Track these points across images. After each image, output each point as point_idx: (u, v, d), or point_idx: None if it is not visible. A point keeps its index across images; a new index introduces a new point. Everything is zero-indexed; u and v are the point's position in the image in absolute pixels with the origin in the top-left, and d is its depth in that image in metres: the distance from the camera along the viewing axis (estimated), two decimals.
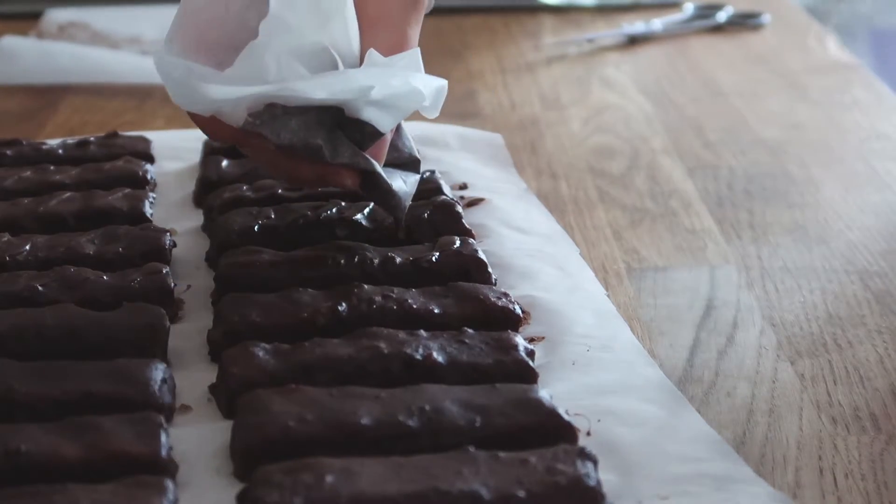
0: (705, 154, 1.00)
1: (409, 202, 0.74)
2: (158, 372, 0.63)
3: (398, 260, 0.73)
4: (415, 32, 0.72)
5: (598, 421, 0.62)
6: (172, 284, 0.73)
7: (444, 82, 0.72)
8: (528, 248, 0.80)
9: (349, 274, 0.72)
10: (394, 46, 0.70)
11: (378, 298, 0.69)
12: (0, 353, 0.64)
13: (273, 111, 0.68)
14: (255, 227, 0.77)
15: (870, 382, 0.69)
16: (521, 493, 0.55)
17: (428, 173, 0.84)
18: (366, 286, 0.70)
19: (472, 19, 1.39)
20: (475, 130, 1.01)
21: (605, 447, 0.60)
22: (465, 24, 1.37)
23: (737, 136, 1.04)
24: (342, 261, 0.73)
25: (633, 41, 1.30)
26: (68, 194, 0.83)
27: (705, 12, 1.35)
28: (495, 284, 0.73)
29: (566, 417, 0.60)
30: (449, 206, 0.80)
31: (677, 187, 0.94)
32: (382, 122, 0.69)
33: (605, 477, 0.57)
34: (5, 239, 0.77)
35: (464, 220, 0.80)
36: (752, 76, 1.20)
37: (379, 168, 0.71)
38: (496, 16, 1.39)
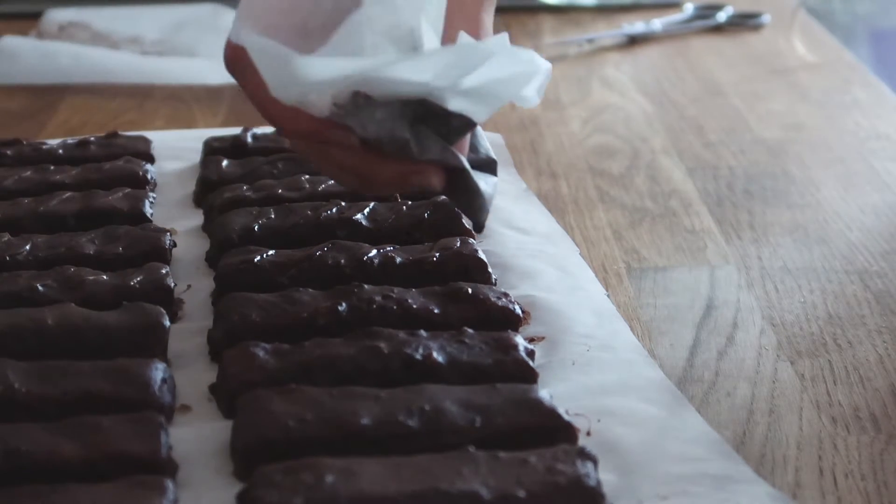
0: (705, 154, 1.00)
1: (490, 206, 0.68)
2: (158, 372, 0.63)
3: (398, 260, 0.73)
4: (490, 20, 0.69)
5: (598, 421, 0.62)
6: (172, 284, 0.73)
7: (548, 65, 0.66)
8: (528, 248, 0.80)
9: (349, 274, 0.72)
10: (472, 34, 0.66)
11: (378, 298, 0.69)
12: (0, 353, 0.64)
13: (357, 101, 0.63)
14: (255, 227, 0.77)
15: (870, 382, 0.69)
16: (521, 493, 0.55)
17: None
18: (366, 286, 0.70)
19: None
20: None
21: (605, 447, 0.60)
22: None
23: (737, 136, 1.04)
24: (342, 261, 0.73)
25: (633, 41, 1.30)
26: (68, 194, 0.83)
27: (705, 12, 1.35)
28: (495, 284, 0.73)
29: (566, 417, 0.60)
30: (449, 206, 0.80)
31: (677, 187, 0.94)
32: (476, 112, 0.64)
33: (605, 477, 0.57)
34: (5, 239, 0.77)
35: (464, 220, 0.80)
36: (752, 76, 1.20)
37: (468, 165, 0.66)
38: (496, 16, 1.38)
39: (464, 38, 0.64)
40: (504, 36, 0.65)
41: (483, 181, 0.67)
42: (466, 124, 0.64)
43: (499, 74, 0.63)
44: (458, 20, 0.66)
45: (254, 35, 0.62)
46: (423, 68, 0.61)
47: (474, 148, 0.69)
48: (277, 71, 0.61)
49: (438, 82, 0.62)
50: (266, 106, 0.65)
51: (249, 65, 0.62)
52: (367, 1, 0.61)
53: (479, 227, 0.69)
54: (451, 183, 0.66)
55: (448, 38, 0.65)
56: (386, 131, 0.63)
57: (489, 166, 0.69)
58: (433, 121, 0.64)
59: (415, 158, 0.64)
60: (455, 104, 0.63)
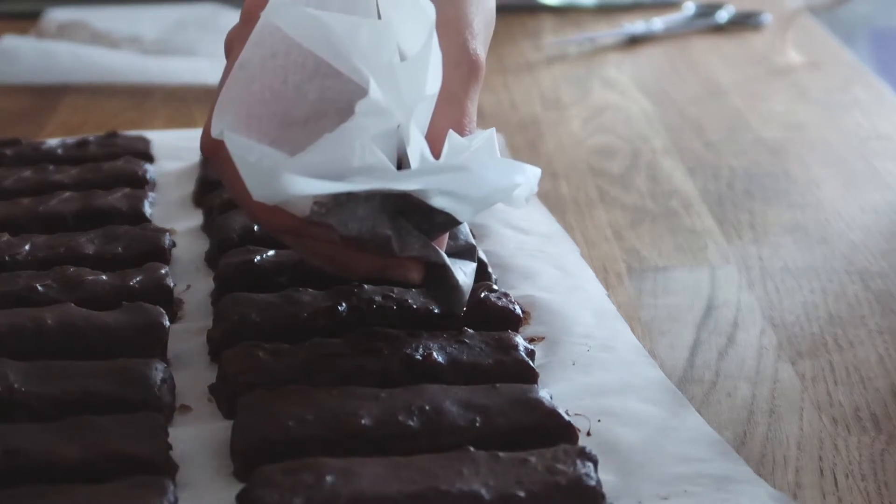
0: (706, 154, 1.00)
1: (468, 296, 0.67)
2: (158, 372, 0.63)
3: None
4: (475, 108, 0.67)
5: (598, 421, 0.62)
6: (172, 284, 0.73)
7: (538, 171, 0.65)
8: (528, 248, 0.80)
9: None
10: (457, 123, 0.65)
11: (378, 298, 0.69)
12: (0, 353, 0.64)
13: (339, 198, 0.61)
14: (255, 227, 0.77)
15: (870, 383, 0.69)
16: (521, 493, 0.54)
17: None
18: (366, 286, 0.70)
19: None
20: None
21: (605, 447, 0.60)
22: None
23: (737, 136, 1.04)
24: None
25: (634, 41, 1.29)
26: (68, 194, 0.83)
27: (706, 12, 1.35)
28: (495, 284, 0.73)
29: (566, 417, 0.60)
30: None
31: (678, 187, 0.94)
32: (460, 211, 0.62)
33: (605, 477, 0.57)
34: (5, 239, 0.77)
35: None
36: (752, 76, 1.20)
37: (448, 261, 0.65)
38: (496, 16, 1.39)
39: (453, 137, 0.63)
40: (491, 132, 0.65)
41: (462, 271, 0.67)
42: (449, 221, 0.63)
43: (495, 185, 0.62)
44: (446, 110, 0.65)
45: (235, 135, 0.60)
46: (414, 183, 0.60)
47: (454, 235, 0.68)
48: (259, 178, 0.59)
49: (431, 188, 0.61)
50: (244, 200, 0.63)
51: (229, 161, 0.60)
52: (360, 110, 0.60)
53: (455, 317, 0.68)
54: (429, 276, 0.65)
55: (434, 128, 0.64)
56: (367, 228, 0.61)
57: (468, 253, 0.69)
58: (415, 216, 0.63)
59: (395, 255, 0.63)
60: (439, 202, 0.62)
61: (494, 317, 0.69)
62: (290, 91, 0.63)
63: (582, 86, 1.18)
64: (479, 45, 0.67)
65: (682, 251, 0.84)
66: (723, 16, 1.34)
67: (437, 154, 0.63)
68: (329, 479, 0.55)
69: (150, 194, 0.85)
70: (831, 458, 0.62)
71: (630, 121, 1.08)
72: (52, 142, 0.94)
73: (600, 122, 1.08)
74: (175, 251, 0.80)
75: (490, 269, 0.74)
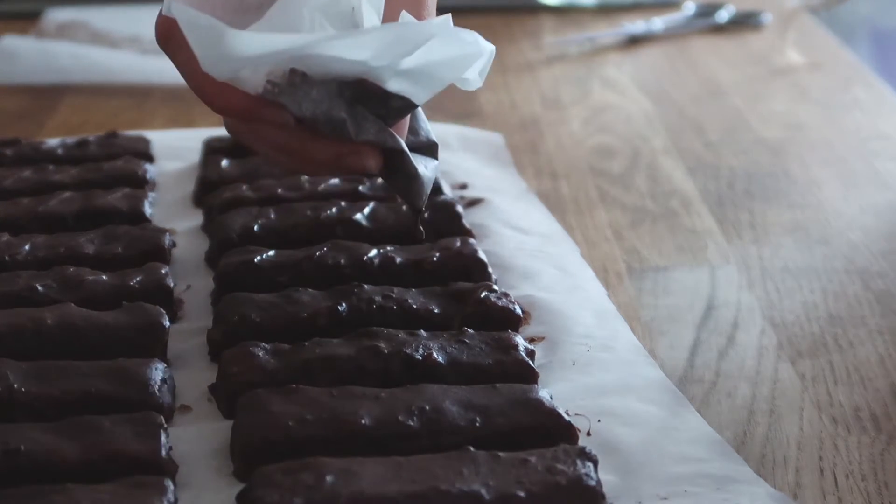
0: (706, 154, 1.00)
1: (429, 190, 0.67)
2: (158, 372, 0.63)
3: (398, 260, 0.73)
4: (433, 1, 0.66)
5: (598, 421, 0.62)
6: (172, 284, 0.73)
7: (492, 48, 0.64)
8: (528, 248, 0.80)
9: (349, 274, 0.72)
10: (414, 5, 0.64)
11: (378, 298, 0.69)
12: (0, 353, 0.64)
13: (293, 79, 0.60)
14: (255, 227, 0.77)
15: (870, 383, 0.69)
16: (521, 493, 0.54)
17: None
18: (366, 286, 0.70)
19: (473, 19, 1.38)
20: (476, 130, 1.01)
21: (605, 447, 0.60)
22: (466, 24, 1.36)
23: (737, 136, 1.04)
24: (342, 261, 0.73)
25: (634, 41, 1.29)
26: (68, 194, 0.83)
27: (706, 12, 1.35)
28: (495, 284, 0.73)
29: (566, 417, 0.60)
30: (449, 206, 0.80)
31: (678, 187, 0.94)
32: (416, 93, 0.61)
33: (605, 477, 0.57)
34: (5, 239, 0.77)
35: (464, 220, 0.80)
36: (752, 76, 1.20)
37: (406, 147, 0.64)
38: (496, 16, 1.39)
39: (405, 17, 0.62)
40: (447, 17, 0.62)
41: (422, 164, 0.66)
42: (406, 106, 0.62)
43: (440, 56, 0.61)
44: None
45: (185, 7, 0.59)
46: (361, 46, 0.59)
47: (415, 130, 0.67)
48: (209, 45, 0.58)
49: (377, 62, 0.60)
50: (197, 82, 0.62)
51: (180, 38, 0.59)
52: None
53: (416, 210, 0.67)
54: (388, 165, 0.64)
55: (389, 16, 0.63)
56: (322, 110, 0.60)
57: (430, 149, 0.67)
58: (371, 102, 0.62)
59: (351, 139, 0.62)
60: (394, 85, 0.61)
61: (494, 317, 0.69)
62: None
63: (582, 86, 1.18)
64: None
65: (682, 251, 0.84)
66: (723, 16, 1.34)
67: None
68: (329, 479, 0.55)
69: (150, 194, 0.85)
70: (831, 458, 0.62)
71: (630, 121, 1.08)
72: (52, 142, 0.94)
73: (600, 122, 1.08)
74: (175, 251, 0.80)
75: (490, 269, 0.74)
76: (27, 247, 0.76)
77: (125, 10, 1.35)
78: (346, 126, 0.61)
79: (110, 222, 0.80)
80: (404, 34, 0.60)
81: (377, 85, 0.61)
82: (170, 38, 0.62)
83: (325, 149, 0.63)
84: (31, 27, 1.30)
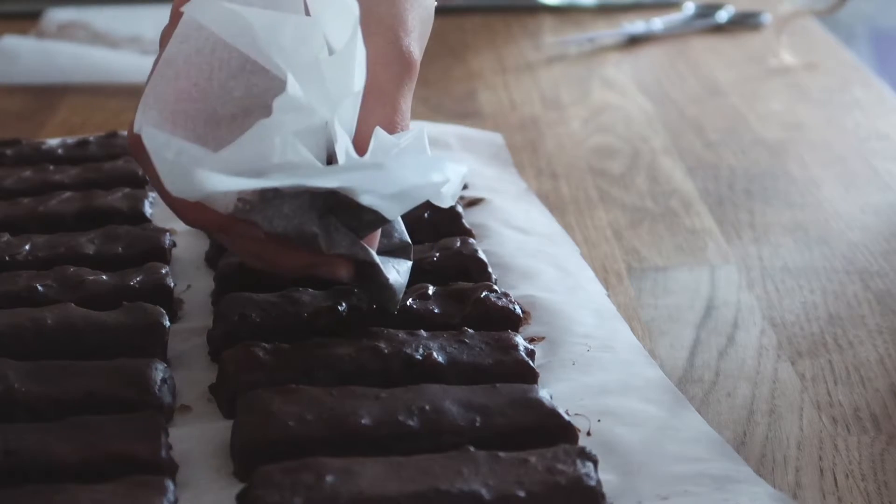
0: (705, 154, 1.00)
1: (401, 295, 0.67)
2: (158, 372, 0.63)
3: None
4: (408, 105, 0.65)
5: (598, 421, 0.62)
6: (172, 284, 0.73)
7: (465, 171, 0.64)
8: (528, 248, 0.80)
9: None
10: (388, 120, 0.64)
11: None
12: (0, 353, 0.64)
13: (265, 195, 0.60)
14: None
15: (870, 382, 0.69)
16: (521, 493, 0.54)
17: None
18: None
19: (473, 19, 1.38)
20: (475, 130, 1.01)
21: (605, 447, 0.60)
22: (466, 23, 1.37)
23: (737, 136, 1.04)
24: None
25: (634, 41, 1.30)
26: (68, 194, 0.83)
27: (706, 12, 1.35)
28: (495, 284, 0.73)
29: (566, 417, 0.60)
30: (449, 206, 0.80)
31: (678, 187, 0.94)
32: (388, 209, 0.61)
33: (605, 477, 0.57)
34: (5, 239, 0.77)
35: (464, 220, 0.80)
36: (752, 76, 1.20)
37: (378, 260, 0.64)
38: (496, 16, 1.39)
39: (380, 134, 0.62)
40: (421, 129, 0.63)
41: (395, 270, 0.66)
42: (378, 220, 0.62)
43: (413, 182, 0.60)
44: (375, 106, 0.63)
45: (154, 132, 0.58)
46: (333, 180, 0.59)
47: (388, 233, 0.67)
48: (176, 175, 0.58)
49: (353, 185, 0.59)
50: (166, 197, 0.62)
51: (149, 157, 0.59)
52: (278, 107, 0.58)
53: (387, 316, 0.67)
54: (359, 274, 0.65)
55: (363, 125, 0.62)
56: (294, 226, 0.61)
57: (403, 251, 0.68)
58: (344, 213, 0.62)
59: (323, 252, 0.62)
60: (367, 199, 0.60)
61: (494, 317, 0.69)
62: (216, 88, 0.62)
63: (582, 86, 1.18)
64: (413, 41, 0.66)
65: (682, 251, 0.84)
66: (722, 16, 1.34)
67: (363, 151, 0.62)
68: (329, 479, 0.55)
69: (151, 194, 0.85)
70: (831, 458, 0.62)
71: (630, 121, 1.08)
72: (52, 142, 0.94)
73: (600, 122, 1.08)
74: (175, 251, 0.80)
75: (490, 269, 0.74)
76: (27, 247, 0.76)
77: (125, 11, 1.35)
78: (317, 240, 0.62)
79: (110, 222, 0.80)
80: (376, 166, 0.60)
81: (349, 198, 0.60)
82: (140, 151, 0.61)
83: (297, 258, 0.64)
84: (31, 27, 1.30)
